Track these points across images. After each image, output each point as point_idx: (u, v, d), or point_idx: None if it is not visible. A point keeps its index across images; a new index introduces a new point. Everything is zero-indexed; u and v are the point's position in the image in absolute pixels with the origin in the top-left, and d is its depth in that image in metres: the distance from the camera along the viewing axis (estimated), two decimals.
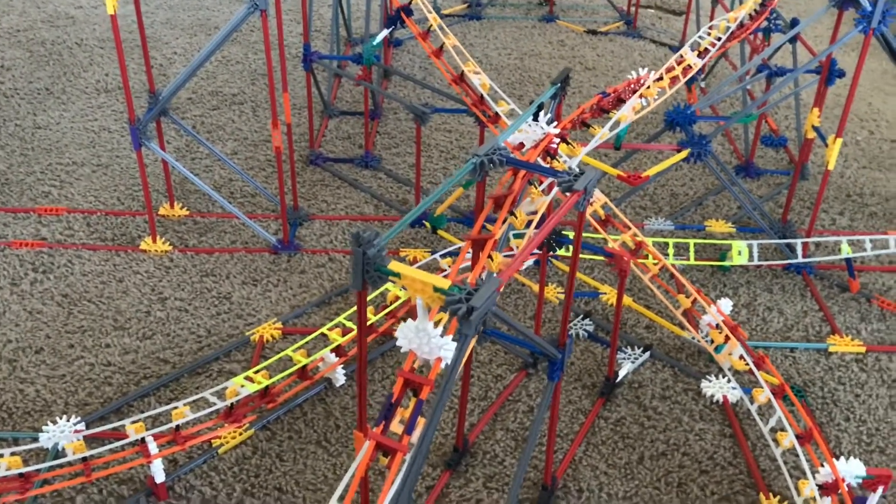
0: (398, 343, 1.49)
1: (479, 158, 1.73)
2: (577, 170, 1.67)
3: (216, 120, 3.77)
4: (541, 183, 1.94)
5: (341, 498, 1.40)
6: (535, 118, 1.99)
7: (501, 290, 1.75)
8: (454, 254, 2.83)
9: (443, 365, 1.47)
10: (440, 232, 3.07)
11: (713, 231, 3.12)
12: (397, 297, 2.58)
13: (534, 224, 1.81)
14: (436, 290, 1.39)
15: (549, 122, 2.02)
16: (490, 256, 1.70)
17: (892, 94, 4.16)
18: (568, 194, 1.63)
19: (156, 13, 4.84)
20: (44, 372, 2.45)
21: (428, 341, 1.45)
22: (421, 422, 1.45)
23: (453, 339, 1.46)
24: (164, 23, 4.72)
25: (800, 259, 2.85)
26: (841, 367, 2.55)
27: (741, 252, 2.81)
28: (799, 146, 3.46)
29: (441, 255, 2.78)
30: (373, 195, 3.29)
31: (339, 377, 2.40)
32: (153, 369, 2.47)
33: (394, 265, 1.41)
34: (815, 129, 2.91)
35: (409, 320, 1.47)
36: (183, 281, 2.81)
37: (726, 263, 2.86)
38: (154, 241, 2.95)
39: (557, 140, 2.01)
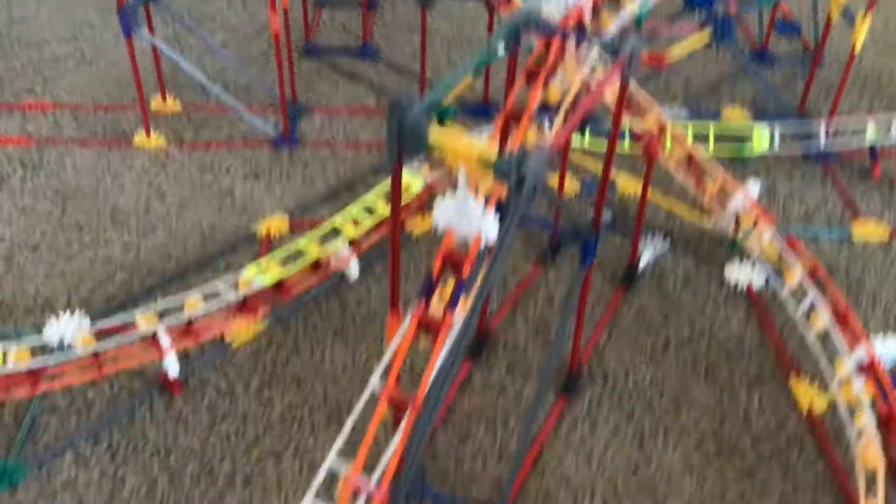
0: (434, 221, 1.40)
1: (512, 25, 1.61)
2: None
3: (205, 9, 3.57)
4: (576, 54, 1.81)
5: (384, 375, 1.33)
6: None
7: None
8: None
9: (482, 244, 1.38)
10: (446, 124, 2.94)
11: (729, 119, 3.01)
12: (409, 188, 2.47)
13: (568, 98, 1.69)
14: (481, 160, 1.28)
15: None
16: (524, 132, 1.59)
17: None
18: (610, 62, 1.51)
19: None
20: (42, 269, 2.34)
21: (469, 217, 1.36)
22: (463, 301, 1.36)
23: (495, 214, 1.36)
24: None
25: (822, 144, 2.76)
26: (865, 253, 2.49)
27: (762, 138, 2.71)
28: (815, 33, 3.33)
29: None
30: (373, 86, 3.14)
31: (354, 271, 2.31)
32: (157, 265, 2.37)
33: (435, 133, 1.30)
34: (845, 8, 2.77)
35: (447, 196, 1.38)
36: (181, 176, 2.69)
37: (745, 152, 2.76)
38: (148, 135, 2.81)
39: (588, 12, 1.88)
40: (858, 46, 2.66)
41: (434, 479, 1.87)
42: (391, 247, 1.48)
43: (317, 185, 2.68)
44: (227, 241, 2.45)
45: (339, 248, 2.26)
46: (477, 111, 3.00)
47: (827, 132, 2.77)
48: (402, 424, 1.25)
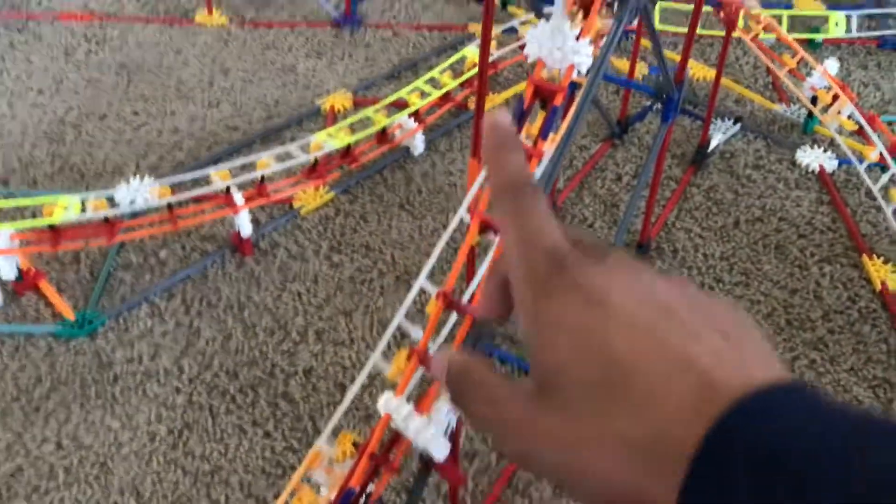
0: (525, 51, 1.36)
1: None
2: None
3: None
4: None
5: (468, 208, 1.32)
6: None
7: None
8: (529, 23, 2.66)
9: (575, 74, 1.35)
10: (511, 8, 2.88)
11: (802, 7, 2.91)
12: (475, 65, 2.43)
13: None
14: None
15: None
16: None
17: None
18: None
19: None
20: (111, 137, 2.36)
21: (563, 44, 1.32)
22: (551, 138, 1.34)
23: (590, 43, 1.33)
24: None
25: None
26: None
27: (838, 23, 2.62)
28: None
29: (520, 23, 2.60)
30: None
31: (419, 145, 2.30)
32: (223, 136, 2.37)
33: None
34: None
35: (541, 23, 1.34)
36: (244, 53, 2.67)
37: (821, 35, 2.68)
38: (210, 13, 2.79)
39: None
40: None
41: (500, 342, 1.88)
42: (478, 87, 1.46)
43: (379, 65, 2.65)
44: (291, 115, 2.44)
45: (405, 119, 2.25)
46: None
47: None
48: (493, 249, 1.25)
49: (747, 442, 0.33)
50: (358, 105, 2.47)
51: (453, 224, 1.27)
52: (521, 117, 1.35)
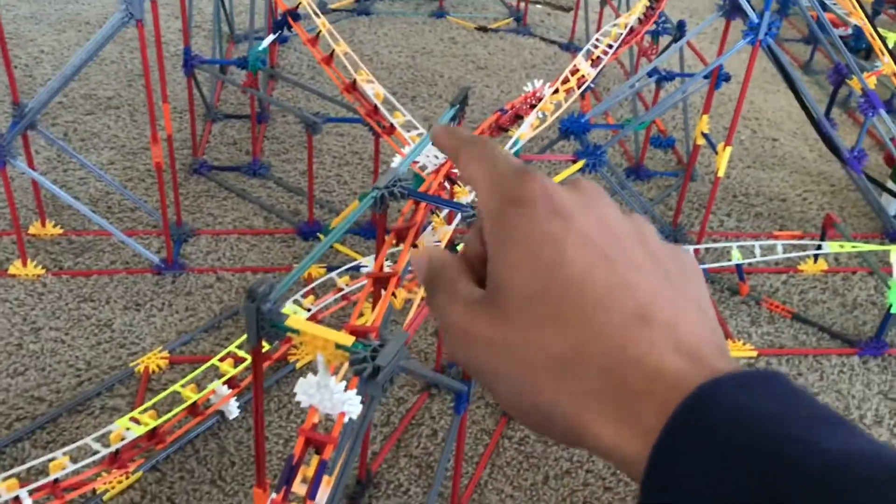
0: (297, 398, 1.40)
1: (379, 192, 1.65)
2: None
3: (90, 126, 3.53)
4: (442, 212, 1.87)
5: None
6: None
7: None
8: (351, 269, 2.74)
9: (346, 419, 1.39)
10: (336, 245, 2.97)
11: None
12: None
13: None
14: (338, 346, 1.30)
15: None
16: (394, 294, 1.63)
17: (773, 91, 4.30)
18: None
19: (18, 6, 4.49)
20: None
21: (331, 397, 1.37)
22: (325, 482, 1.37)
23: (357, 394, 1.38)
24: (28, 17, 4.39)
25: None
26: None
27: None
28: (687, 148, 3.53)
29: (338, 273, 2.68)
30: (262, 206, 3.15)
31: (233, 409, 2.28)
32: (27, 409, 2.28)
33: (292, 320, 1.31)
34: (705, 135, 2.96)
35: (310, 375, 1.39)
36: (58, 308, 2.62)
37: None
38: (24, 264, 2.73)
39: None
40: (721, 172, 2.83)
41: None
42: (255, 427, 1.48)
43: (200, 314, 2.65)
44: (104, 379, 2.38)
45: (218, 387, 2.23)
46: (365, 232, 3.04)
47: (696, 252, 2.92)
48: None
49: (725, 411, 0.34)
50: (174, 363, 2.44)
51: None
52: (291, 470, 1.37)
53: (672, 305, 0.38)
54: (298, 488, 1.36)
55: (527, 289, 0.39)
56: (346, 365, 1.41)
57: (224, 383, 2.25)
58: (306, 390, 1.40)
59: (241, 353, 2.36)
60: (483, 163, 0.45)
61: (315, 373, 1.39)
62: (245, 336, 2.42)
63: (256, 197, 3.20)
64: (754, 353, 2.66)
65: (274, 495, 1.32)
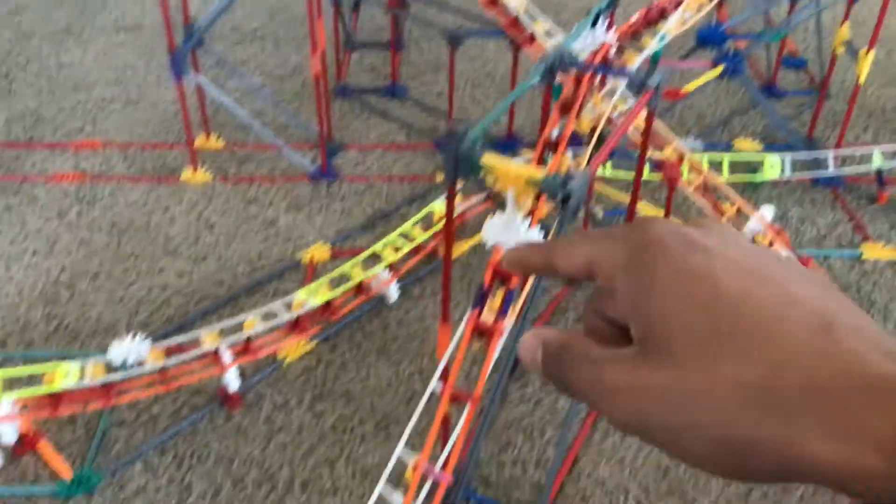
0: (483, 238, 1.55)
1: (548, 62, 1.78)
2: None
3: (239, 55, 3.78)
4: (601, 89, 1.98)
5: (441, 379, 1.48)
6: (593, 26, 2.03)
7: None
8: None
9: None
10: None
11: (741, 149, 3.18)
12: (442, 218, 2.63)
13: (599, 128, 1.86)
14: (530, 180, 1.44)
15: (604, 31, 2.06)
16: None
17: None
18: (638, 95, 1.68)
19: None
20: (103, 296, 2.51)
21: (516, 234, 1.51)
22: (512, 309, 1.52)
23: (540, 231, 1.52)
24: None
25: (831, 171, 2.92)
26: (875, 271, 2.64)
27: (773, 165, 2.87)
28: (821, 68, 3.51)
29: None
30: (403, 123, 3.33)
31: (393, 294, 2.47)
32: (210, 291, 2.53)
33: (486, 158, 1.46)
34: (846, 43, 2.95)
35: (497, 214, 1.53)
36: (228, 208, 2.86)
37: (758, 178, 2.92)
38: (195, 171, 2.99)
39: (614, 49, 2.06)
40: (861, 80, 2.83)
41: (477, 485, 2.01)
42: (444, 262, 1.64)
43: (355, 216, 2.85)
44: (273, 269, 2.61)
45: (380, 272, 2.42)
46: (502, 145, 3.17)
47: (835, 160, 2.93)
48: (464, 417, 1.40)
49: None
50: (336, 257, 2.65)
51: (426, 397, 1.42)
52: (482, 297, 1.53)
53: (844, 310, 0.36)
54: (490, 313, 1.52)
55: (692, 329, 0.36)
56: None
57: (385, 269, 2.44)
58: (493, 228, 1.55)
59: (399, 243, 2.54)
60: (586, 239, 0.43)
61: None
62: (402, 226, 2.61)
63: (397, 116, 3.37)
64: (895, 254, 2.67)
65: (470, 312, 1.49)
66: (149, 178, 2.99)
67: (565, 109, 1.88)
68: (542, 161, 1.83)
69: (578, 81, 1.93)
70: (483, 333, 1.49)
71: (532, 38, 2.84)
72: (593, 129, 1.87)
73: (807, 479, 0.34)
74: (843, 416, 0.32)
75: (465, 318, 1.51)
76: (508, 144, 3.17)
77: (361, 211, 2.87)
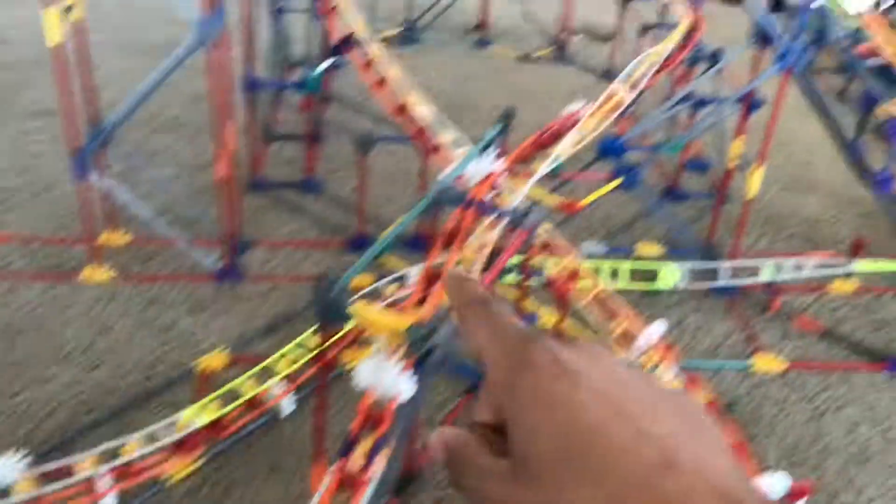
0: (356, 381, 1.56)
1: (431, 195, 1.82)
2: (524, 204, 1.78)
3: (155, 144, 3.77)
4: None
5: None
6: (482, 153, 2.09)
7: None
8: (398, 279, 2.90)
9: (399, 400, 1.54)
10: (384, 259, 3.14)
11: (643, 254, 3.26)
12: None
13: (480, 261, 1.90)
14: (395, 330, 1.46)
15: (493, 159, 2.11)
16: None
17: (808, 117, 4.40)
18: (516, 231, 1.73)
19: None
20: None
21: (387, 378, 1.52)
22: (381, 455, 1.52)
23: (411, 375, 1.53)
24: (97, 45, 4.66)
25: (724, 282, 3.01)
26: (764, 384, 2.71)
27: (670, 275, 2.95)
28: (722, 171, 3.65)
29: (385, 283, 2.84)
30: (315, 220, 3.34)
31: (287, 407, 2.44)
32: (99, 401, 2.47)
33: (355, 307, 1.48)
34: (739, 157, 3.08)
35: (368, 358, 1.54)
36: (127, 310, 2.82)
37: (655, 287, 3.00)
38: (96, 269, 2.94)
39: (501, 177, 2.12)
40: (752, 193, 2.95)
41: None
42: (316, 410, 1.64)
43: (259, 318, 2.83)
44: (168, 377, 2.57)
45: (274, 385, 2.40)
46: (411, 244, 3.20)
47: (729, 270, 3.03)
48: None
49: None
50: (235, 363, 2.62)
51: None
52: (349, 446, 1.53)
53: (694, 449, 0.38)
54: (357, 462, 1.52)
55: (550, 451, 0.39)
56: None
57: (281, 380, 2.41)
58: (365, 373, 1.56)
59: (296, 354, 2.52)
60: (488, 330, 0.46)
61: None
62: (303, 334, 2.60)
63: (310, 212, 3.39)
64: (785, 366, 2.76)
65: (337, 462, 1.48)
66: (48, 276, 2.93)
67: (449, 241, 1.92)
68: (425, 297, 1.85)
69: (463, 214, 1.97)
70: (349, 485, 1.48)
71: (436, 148, 2.90)
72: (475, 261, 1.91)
73: None
74: None
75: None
76: (416, 243, 3.20)
77: (265, 312, 2.86)
